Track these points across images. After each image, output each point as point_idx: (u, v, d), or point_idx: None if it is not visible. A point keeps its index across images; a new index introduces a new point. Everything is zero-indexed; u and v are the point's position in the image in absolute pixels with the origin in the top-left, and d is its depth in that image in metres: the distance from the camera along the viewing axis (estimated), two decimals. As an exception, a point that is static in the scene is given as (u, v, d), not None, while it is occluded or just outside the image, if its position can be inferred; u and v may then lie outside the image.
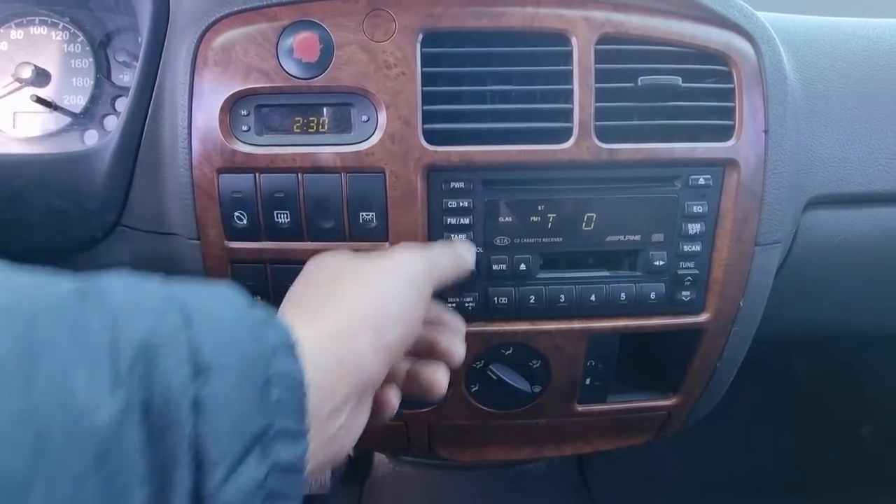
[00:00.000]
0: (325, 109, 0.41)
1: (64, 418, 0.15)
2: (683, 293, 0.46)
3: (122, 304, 0.18)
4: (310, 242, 0.42)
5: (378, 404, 0.32)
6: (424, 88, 0.40)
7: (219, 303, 0.21)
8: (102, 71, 0.51)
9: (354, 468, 0.83)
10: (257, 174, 0.41)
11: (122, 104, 0.48)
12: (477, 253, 0.43)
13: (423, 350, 0.34)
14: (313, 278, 0.32)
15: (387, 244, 0.42)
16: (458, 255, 0.37)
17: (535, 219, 0.43)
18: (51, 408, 0.15)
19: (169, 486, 0.17)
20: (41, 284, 0.17)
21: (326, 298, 0.29)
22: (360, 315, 0.27)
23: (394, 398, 0.33)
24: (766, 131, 0.44)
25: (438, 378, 0.34)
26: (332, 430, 0.25)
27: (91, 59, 0.51)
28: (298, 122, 0.41)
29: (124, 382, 0.16)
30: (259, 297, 0.44)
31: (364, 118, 0.41)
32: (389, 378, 0.32)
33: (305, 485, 0.22)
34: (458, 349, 0.35)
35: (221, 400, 0.18)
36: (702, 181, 0.43)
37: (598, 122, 0.41)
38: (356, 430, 0.28)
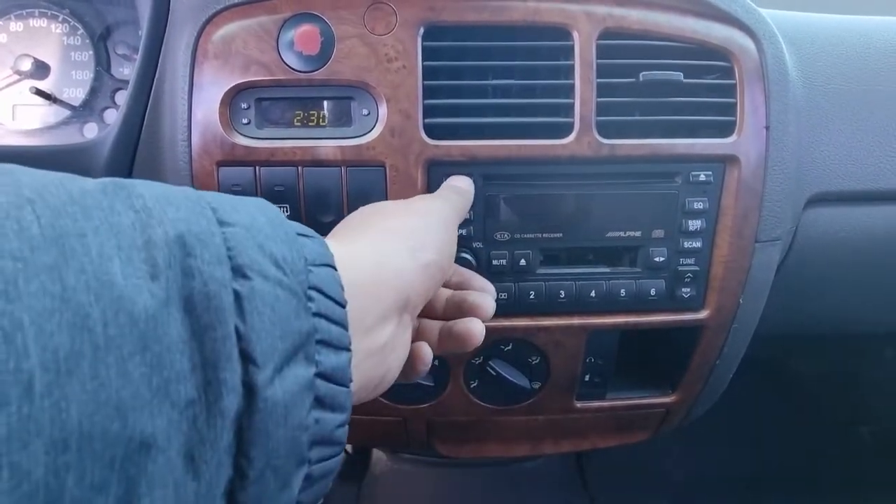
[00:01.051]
0: (325, 103, 0.41)
1: (103, 303, 0.14)
2: (683, 290, 0.46)
3: (152, 200, 0.17)
4: (309, 236, 0.42)
5: (413, 358, 0.31)
6: (425, 82, 0.40)
7: (252, 210, 0.20)
8: (102, 64, 0.50)
9: (352, 465, 0.83)
10: (257, 167, 0.41)
11: (122, 97, 0.48)
12: (477, 248, 0.43)
13: (453, 310, 0.35)
14: (350, 222, 0.32)
15: (386, 238, 0.42)
16: (464, 191, 0.39)
17: (535, 214, 0.43)
18: (89, 292, 0.14)
19: (217, 380, 0.16)
20: (65, 181, 0.16)
21: (362, 229, 0.30)
22: (395, 237, 0.28)
23: (427, 353, 0.32)
24: (767, 128, 0.43)
25: (473, 328, 0.33)
26: (377, 344, 0.25)
27: (91, 52, 0.50)
28: (299, 115, 0.41)
29: (162, 274, 0.16)
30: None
31: (364, 112, 0.41)
32: (423, 335, 0.33)
33: (354, 398, 0.22)
34: (488, 302, 0.35)
35: (263, 302, 0.18)
36: (702, 177, 0.43)
37: (599, 118, 0.41)
38: (401, 352, 0.28)
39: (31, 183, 0.15)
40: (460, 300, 0.35)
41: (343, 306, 0.21)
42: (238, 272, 0.17)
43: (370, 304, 0.24)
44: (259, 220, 0.20)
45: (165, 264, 0.16)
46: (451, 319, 0.34)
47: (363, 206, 0.34)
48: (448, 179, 0.41)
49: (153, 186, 0.18)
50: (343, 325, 0.21)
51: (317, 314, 0.20)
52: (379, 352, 0.25)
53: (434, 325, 0.34)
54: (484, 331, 0.34)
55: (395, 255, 0.27)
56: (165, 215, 0.17)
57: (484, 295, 0.35)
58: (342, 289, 0.21)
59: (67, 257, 0.14)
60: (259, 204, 0.21)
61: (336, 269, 0.21)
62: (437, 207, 0.34)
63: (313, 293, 0.20)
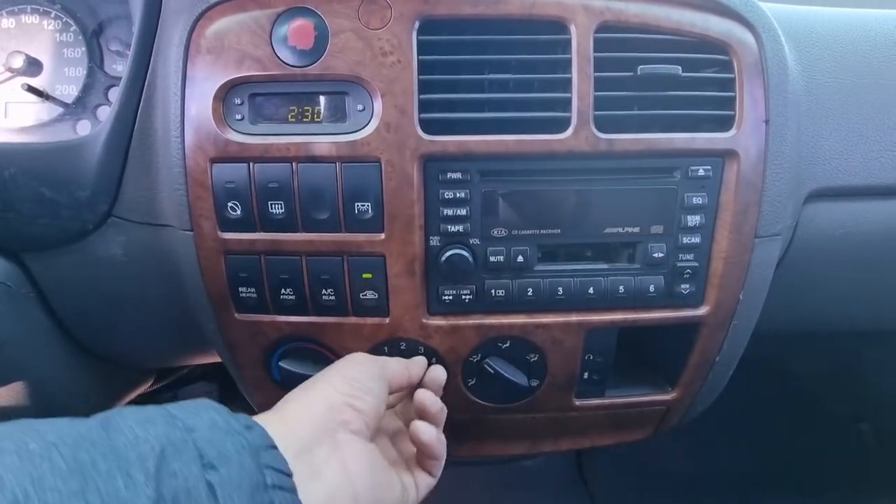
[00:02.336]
0: (319, 98, 0.41)
1: None
2: (682, 286, 0.45)
3: (136, 425, 0.24)
4: (304, 233, 0.42)
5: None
6: (421, 77, 0.40)
7: (211, 413, 0.27)
8: (95, 60, 0.50)
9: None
10: (251, 164, 0.40)
11: (116, 94, 0.47)
12: (474, 244, 0.43)
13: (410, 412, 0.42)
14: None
15: (381, 235, 0.42)
16: (409, 369, 0.42)
17: (532, 210, 0.43)
18: None
19: None
20: (74, 424, 0.23)
21: (283, 401, 0.36)
22: (304, 391, 0.36)
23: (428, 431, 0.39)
24: (766, 121, 0.43)
25: (423, 431, 0.39)
26: (318, 466, 0.31)
27: (84, 49, 0.50)
28: (293, 111, 0.41)
29: (152, 479, 0.22)
30: (253, 290, 0.44)
31: (359, 107, 0.40)
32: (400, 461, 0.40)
33: None
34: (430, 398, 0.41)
35: (231, 485, 0.24)
36: (701, 172, 0.43)
37: (596, 112, 0.41)
38: (358, 468, 0.33)
39: (50, 430, 0.22)
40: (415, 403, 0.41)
41: (290, 476, 0.27)
42: (208, 466, 0.24)
43: (302, 443, 0.31)
44: (216, 420, 0.26)
45: (155, 470, 0.22)
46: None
47: (359, 203, 0.40)
48: (411, 360, 0.44)
49: (135, 413, 0.25)
50: (293, 491, 0.27)
51: (273, 486, 0.26)
52: (324, 473, 0.31)
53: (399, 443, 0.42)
54: (433, 431, 0.39)
55: (302, 405, 0.35)
56: (149, 433, 0.24)
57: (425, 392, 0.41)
58: (287, 463, 0.27)
59: (87, 481, 0.20)
60: (213, 406, 0.28)
61: (277, 449, 0.28)
62: (355, 357, 0.40)
63: (267, 474, 0.26)
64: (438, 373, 0.44)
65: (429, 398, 0.40)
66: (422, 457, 0.40)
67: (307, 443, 0.31)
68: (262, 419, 0.30)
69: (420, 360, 0.44)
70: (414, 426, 0.38)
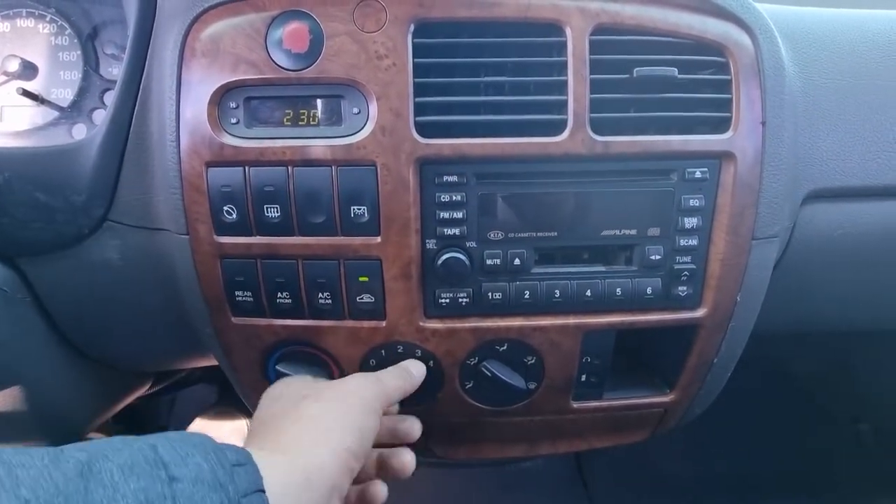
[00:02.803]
0: (315, 102, 0.41)
1: None
2: (680, 288, 0.45)
3: (118, 473, 0.23)
4: (300, 237, 0.42)
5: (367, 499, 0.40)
6: (416, 80, 0.40)
7: (198, 460, 0.25)
8: (91, 64, 0.50)
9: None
10: (246, 167, 0.40)
11: (111, 98, 0.47)
12: (470, 247, 0.43)
13: (385, 438, 0.42)
14: (273, 408, 0.38)
15: (378, 239, 0.41)
16: (408, 372, 0.43)
17: (529, 213, 0.42)
18: None
19: None
20: (52, 469, 0.22)
21: (285, 421, 0.35)
22: (316, 430, 0.33)
23: (381, 490, 0.40)
24: (763, 123, 0.43)
25: (407, 461, 0.41)
26: None
27: (79, 52, 0.50)
28: (288, 114, 0.41)
29: None
30: (250, 294, 0.43)
31: (355, 110, 0.40)
32: (363, 477, 0.40)
33: None
34: (415, 429, 0.43)
35: None
36: (698, 174, 0.43)
37: (592, 114, 0.41)
38: None
39: (26, 479, 0.21)
40: (392, 428, 0.42)
41: None
42: None
43: None
44: (203, 468, 0.25)
45: None
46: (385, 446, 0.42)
47: (355, 207, 0.40)
48: (404, 362, 0.45)
49: (121, 455, 0.24)
50: None
51: None
52: None
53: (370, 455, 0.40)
54: (414, 461, 0.40)
55: (317, 456, 0.32)
56: (129, 487, 0.23)
57: (411, 423, 0.42)
58: None
59: None
60: (204, 447, 0.26)
61: (265, 492, 0.27)
62: (360, 391, 0.38)
63: None
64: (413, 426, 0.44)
65: (408, 462, 0.41)
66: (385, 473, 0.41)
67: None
68: (260, 451, 0.29)
69: (418, 368, 0.44)
70: (401, 463, 0.41)
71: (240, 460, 0.27)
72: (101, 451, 0.24)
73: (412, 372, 0.43)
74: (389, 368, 0.43)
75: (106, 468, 0.23)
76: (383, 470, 0.41)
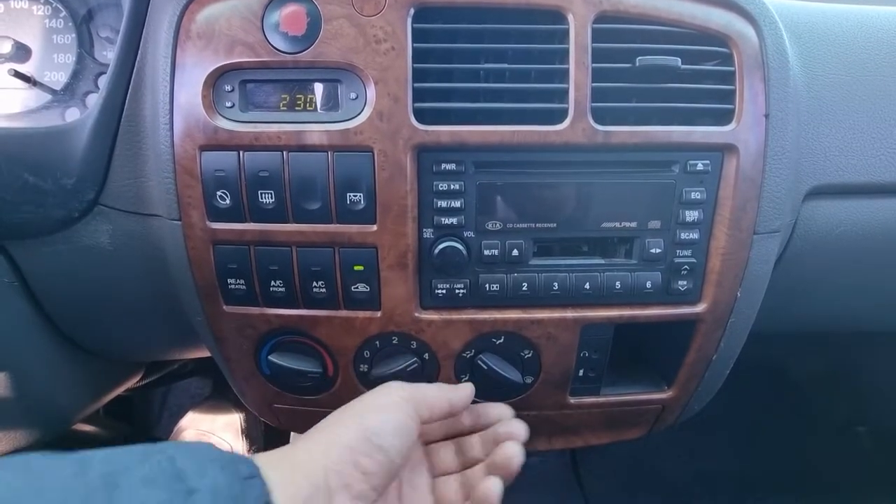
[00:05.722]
0: (311, 86, 0.40)
1: None
2: (680, 282, 0.45)
3: (137, 483, 0.23)
4: (295, 224, 0.41)
5: None
6: (415, 65, 0.39)
7: (216, 471, 0.26)
8: (85, 47, 0.49)
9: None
10: (241, 152, 0.40)
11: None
12: (468, 237, 0.42)
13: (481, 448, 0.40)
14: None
15: (374, 227, 0.41)
16: (452, 388, 0.40)
17: (528, 203, 0.42)
18: None
19: None
20: (77, 480, 0.22)
21: (309, 433, 0.35)
22: (321, 435, 0.34)
23: (493, 487, 0.36)
24: (766, 116, 0.42)
25: (514, 453, 0.38)
26: None
27: (73, 35, 0.49)
28: (284, 99, 0.40)
29: None
30: (242, 282, 0.43)
31: (352, 95, 0.40)
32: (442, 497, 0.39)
33: None
34: (517, 428, 0.40)
35: None
36: (700, 167, 0.42)
37: (594, 104, 0.40)
38: None
39: (53, 489, 0.21)
40: (493, 435, 0.40)
41: None
42: None
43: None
44: (219, 481, 0.25)
45: None
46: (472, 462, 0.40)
47: (350, 194, 0.40)
48: (456, 385, 0.42)
49: (142, 468, 0.24)
50: None
51: None
52: None
53: (450, 481, 0.40)
54: (521, 453, 0.38)
55: (317, 459, 0.31)
56: (150, 498, 0.23)
57: (511, 422, 0.40)
58: None
59: None
60: (220, 460, 0.27)
61: None
62: (385, 390, 0.37)
63: None
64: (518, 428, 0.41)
65: (517, 455, 0.37)
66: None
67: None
68: (269, 462, 0.29)
69: (466, 389, 0.41)
70: (487, 487, 0.36)
71: (251, 473, 0.27)
72: (124, 464, 0.24)
73: (457, 388, 0.41)
74: (429, 385, 0.41)
75: (129, 482, 0.23)
76: (492, 466, 0.38)
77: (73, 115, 0.49)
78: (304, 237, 0.41)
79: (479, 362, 0.46)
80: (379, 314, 0.43)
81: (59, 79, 0.49)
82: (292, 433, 0.66)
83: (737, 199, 0.43)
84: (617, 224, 0.43)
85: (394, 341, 0.45)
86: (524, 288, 0.43)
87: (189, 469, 0.25)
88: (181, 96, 0.40)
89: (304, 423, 0.44)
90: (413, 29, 0.39)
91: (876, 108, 0.48)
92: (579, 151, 0.41)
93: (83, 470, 0.23)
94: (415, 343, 0.45)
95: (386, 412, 0.35)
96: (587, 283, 0.44)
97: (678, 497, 0.88)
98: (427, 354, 0.45)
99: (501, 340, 0.45)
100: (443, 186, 0.41)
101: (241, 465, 0.27)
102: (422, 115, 0.39)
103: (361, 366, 0.46)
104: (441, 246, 0.41)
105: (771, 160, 0.43)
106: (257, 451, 0.80)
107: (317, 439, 0.33)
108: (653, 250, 0.44)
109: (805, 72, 0.47)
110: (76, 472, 0.23)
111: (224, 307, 0.44)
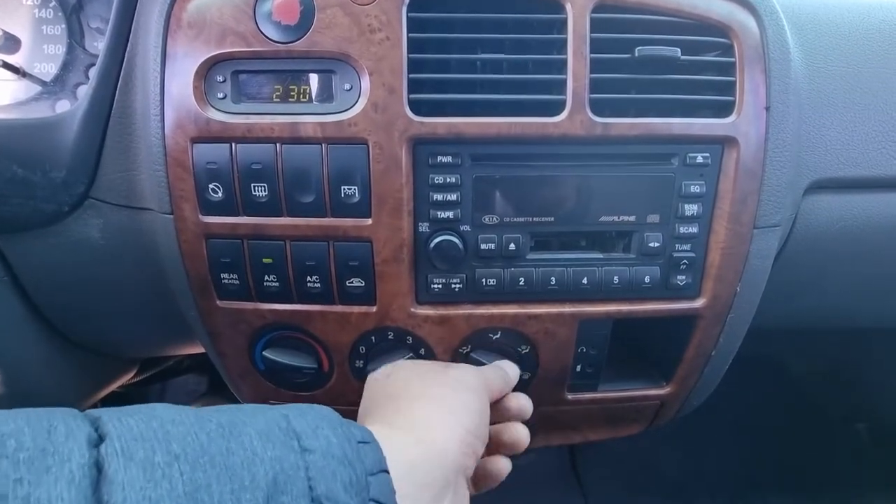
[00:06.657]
0: (305, 77, 0.39)
1: None
2: (679, 277, 0.44)
3: (256, 438, 0.24)
4: (289, 218, 0.40)
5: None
6: (410, 55, 0.38)
7: (327, 433, 0.26)
8: (75, 37, 0.48)
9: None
10: (233, 144, 0.39)
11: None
12: (464, 231, 0.42)
13: (490, 444, 0.40)
14: (389, 387, 0.38)
15: (368, 220, 0.40)
16: (504, 371, 0.42)
17: (525, 197, 0.41)
18: None
19: None
20: (197, 429, 0.23)
21: (403, 400, 0.35)
22: (437, 411, 0.34)
23: (503, 465, 0.41)
24: (767, 108, 0.42)
25: (521, 434, 0.40)
26: None
27: (63, 26, 0.48)
28: (278, 90, 0.39)
29: None
30: (236, 276, 0.42)
31: (347, 86, 0.39)
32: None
33: None
34: (522, 436, 0.41)
35: None
36: (700, 159, 0.42)
37: (592, 95, 0.39)
38: None
39: (176, 433, 0.22)
40: (497, 435, 0.41)
41: None
42: (316, 501, 0.23)
43: (426, 489, 0.29)
44: (332, 442, 0.25)
45: (265, 502, 0.21)
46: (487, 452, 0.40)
47: (345, 187, 0.39)
48: (499, 361, 0.44)
49: (257, 422, 0.24)
50: None
51: None
52: None
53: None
54: (528, 434, 0.40)
55: (440, 438, 0.32)
56: (266, 453, 0.23)
57: (517, 431, 0.41)
58: (394, 493, 0.26)
59: None
60: (332, 421, 0.27)
61: (389, 473, 0.26)
62: (473, 378, 0.38)
63: None
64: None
65: (526, 404, 0.42)
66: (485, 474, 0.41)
67: (440, 491, 0.30)
68: (380, 431, 0.28)
69: (515, 368, 0.44)
70: (517, 430, 0.40)
71: (365, 438, 0.27)
72: (239, 417, 0.25)
73: (507, 371, 0.43)
74: (486, 366, 0.43)
75: (245, 433, 0.24)
76: (498, 445, 0.41)
77: (63, 106, 0.48)
78: (297, 231, 0.40)
79: (475, 358, 0.45)
80: (374, 309, 0.43)
81: (48, 70, 0.48)
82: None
83: (737, 192, 0.42)
84: (615, 218, 0.42)
85: (389, 337, 0.44)
86: (521, 283, 0.43)
87: (302, 428, 0.25)
88: (172, 87, 0.39)
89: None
90: (408, 18, 0.38)
91: (879, 101, 0.48)
92: (577, 144, 0.40)
93: (201, 419, 0.23)
94: (410, 338, 0.44)
95: (480, 397, 0.37)
96: (585, 278, 0.43)
97: (678, 495, 0.88)
98: (423, 350, 0.45)
99: (498, 336, 0.45)
100: (439, 179, 0.40)
101: (355, 429, 0.27)
102: (417, 107, 0.39)
103: (357, 361, 0.46)
104: (437, 240, 0.41)
105: (772, 153, 0.42)
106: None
107: (433, 418, 0.33)
108: (651, 244, 0.43)
109: (806, 64, 0.47)
110: (196, 421, 0.23)
111: (217, 302, 0.43)
